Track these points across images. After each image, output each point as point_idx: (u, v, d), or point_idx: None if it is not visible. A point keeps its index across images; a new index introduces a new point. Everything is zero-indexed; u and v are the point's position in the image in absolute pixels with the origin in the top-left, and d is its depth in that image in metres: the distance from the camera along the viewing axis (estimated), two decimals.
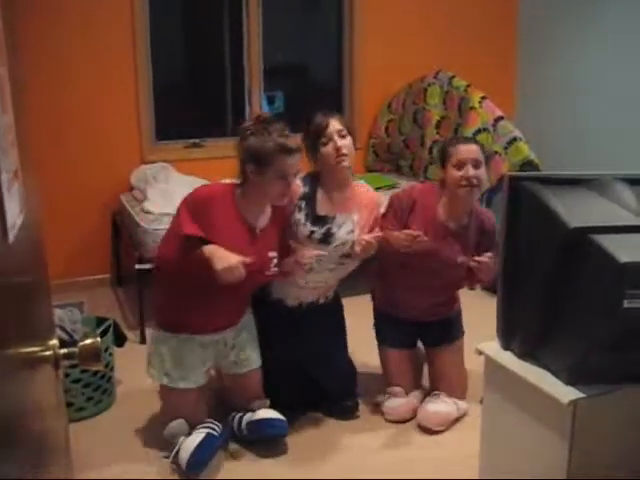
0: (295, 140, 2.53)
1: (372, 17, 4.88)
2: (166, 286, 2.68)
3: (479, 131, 4.24)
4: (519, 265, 2.16)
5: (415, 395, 2.99)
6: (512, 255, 2.18)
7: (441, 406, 2.88)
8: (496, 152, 4.23)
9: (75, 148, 4.29)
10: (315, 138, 2.69)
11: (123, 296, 4.34)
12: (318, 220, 2.73)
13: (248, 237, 2.55)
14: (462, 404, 2.96)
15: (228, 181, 2.63)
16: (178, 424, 2.66)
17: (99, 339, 1.35)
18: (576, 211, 1.94)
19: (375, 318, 3.09)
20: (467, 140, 2.89)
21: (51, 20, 4.06)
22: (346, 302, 3.06)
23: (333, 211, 2.76)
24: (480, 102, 4.26)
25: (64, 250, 4.32)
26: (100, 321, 3.12)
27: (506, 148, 4.22)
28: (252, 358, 2.79)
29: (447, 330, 3.01)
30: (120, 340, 3.21)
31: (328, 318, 2.95)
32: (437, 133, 4.57)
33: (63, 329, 2.91)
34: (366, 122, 5.04)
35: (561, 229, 1.91)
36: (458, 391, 2.98)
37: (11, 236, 0.99)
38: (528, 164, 4.17)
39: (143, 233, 3.71)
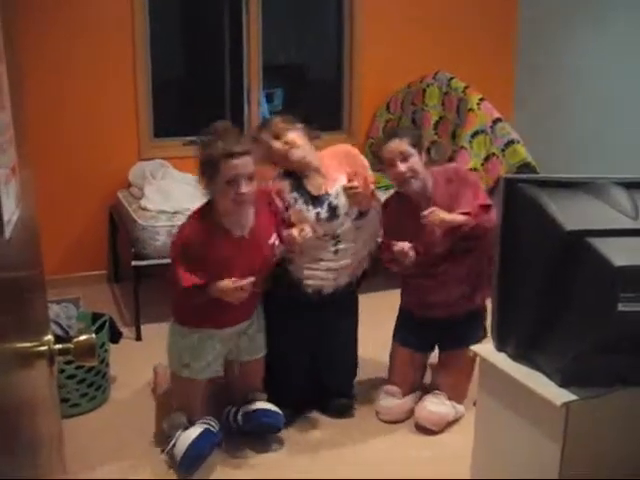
0: (242, 144, 2.48)
1: (372, 17, 4.88)
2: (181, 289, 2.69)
3: (477, 133, 4.24)
4: (514, 267, 2.16)
5: (412, 397, 2.99)
6: (508, 257, 2.19)
7: (440, 407, 2.88)
8: (493, 154, 4.24)
9: (72, 144, 4.29)
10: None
11: (119, 292, 4.35)
12: (317, 200, 2.74)
13: (239, 248, 2.54)
14: (460, 407, 2.95)
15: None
16: (177, 417, 2.66)
17: (94, 335, 1.35)
18: (572, 214, 1.94)
19: (398, 315, 3.07)
20: (390, 136, 2.85)
21: (49, 17, 4.06)
22: (362, 299, 3.05)
23: (323, 187, 2.77)
24: (478, 104, 4.26)
25: (61, 246, 4.32)
26: (96, 317, 3.12)
27: (503, 150, 4.22)
28: (261, 345, 2.81)
29: (467, 333, 2.90)
30: (115, 336, 3.21)
31: (344, 312, 2.94)
32: (435, 134, 4.57)
33: (59, 325, 2.91)
34: (364, 122, 5.05)
35: (557, 232, 1.91)
36: (459, 395, 2.97)
37: (7, 232, 0.99)
38: (525, 166, 4.18)
39: (140, 230, 3.71)
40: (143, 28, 4.34)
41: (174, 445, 2.59)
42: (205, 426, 2.63)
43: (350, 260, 2.82)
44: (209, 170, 2.47)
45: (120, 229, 4.25)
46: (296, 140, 2.74)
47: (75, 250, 4.42)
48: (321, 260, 2.77)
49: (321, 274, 2.79)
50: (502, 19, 5.29)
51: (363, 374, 3.14)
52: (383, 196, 4.36)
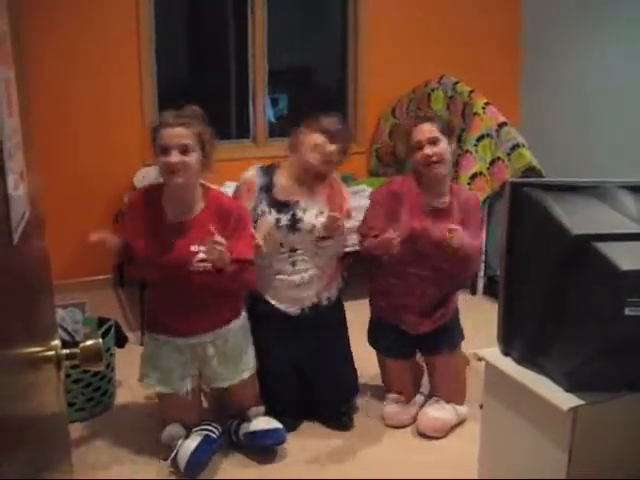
0: (175, 115, 2.45)
1: (377, 21, 4.89)
2: (149, 289, 2.76)
3: (482, 137, 4.24)
4: (520, 271, 2.16)
5: (415, 402, 2.99)
6: (513, 261, 2.19)
7: (440, 412, 2.88)
8: (499, 158, 4.24)
9: (78, 149, 4.30)
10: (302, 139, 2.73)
11: (124, 297, 4.35)
12: (281, 206, 2.73)
13: (167, 233, 2.48)
14: (462, 409, 2.95)
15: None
16: (174, 427, 2.66)
17: (100, 340, 1.36)
18: (578, 218, 1.94)
19: (370, 325, 3.04)
20: (421, 119, 2.85)
21: (54, 24, 4.07)
22: (348, 306, 3.03)
23: (298, 197, 2.75)
24: (484, 108, 4.26)
25: (67, 250, 4.33)
26: (102, 322, 3.13)
27: (509, 154, 4.22)
28: (234, 373, 2.68)
29: (446, 338, 2.94)
30: (121, 341, 3.22)
31: (331, 323, 2.91)
32: None
33: (65, 329, 2.92)
34: (369, 126, 5.05)
35: (563, 236, 1.91)
36: (457, 397, 2.97)
37: (16, 237, 0.99)
38: (531, 170, 4.18)
39: None
40: (149, 34, 4.36)
41: (176, 454, 2.59)
42: (204, 433, 2.61)
43: (311, 274, 2.78)
44: (153, 141, 2.49)
45: None
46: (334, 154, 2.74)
47: (81, 255, 4.42)
48: (279, 273, 2.74)
49: (282, 290, 2.76)
50: (507, 23, 5.28)
51: (362, 379, 3.12)
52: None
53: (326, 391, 2.92)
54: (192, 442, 2.57)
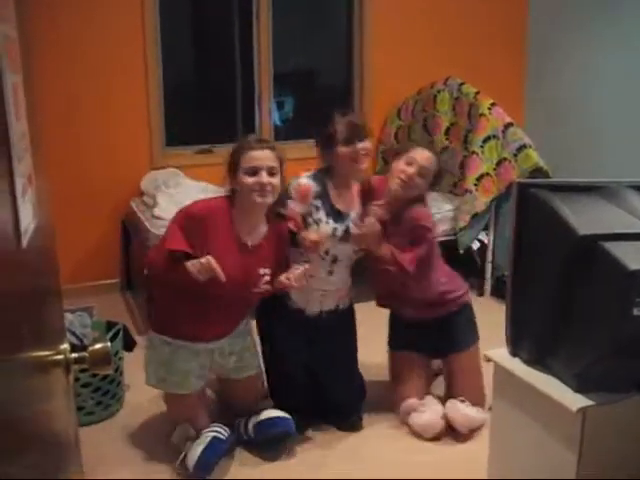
0: (260, 139, 2.62)
1: (382, 24, 4.89)
2: (159, 292, 2.72)
3: (488, 138, 4.24)
4: (528, 272, 2.16)
5: (435, 404, 2.93)
6: (521, 262, 2.18)
7: (472, 411, 2.86)
8: (505, 159, 4.23)
9: (85, 154, 4.32)
10: (332, 138, 2.68)
11: (132, 301, 4.36)
12: (339, 216, 2.74)
13: (238, 253, 2.54)
14: (484, 413, 2.90)
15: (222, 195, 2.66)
16: (184, 429, 2.67)
17: (109, 343, 1.36)
18: (585, 218, 1.94)
19: (389, 322, 3.08)
20: (427, 148, 2.90)
21: (60, 27, 4.09)
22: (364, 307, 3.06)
23: (345, 207, 2.77)
24: (490, 109, 4.26)
25: (74, 255, 4.35)
26: (110, 325, 3.14)
27: (515, 155, 4.22)
28: (251, 363, 2.80)
29: (459, 336, 2.95)
30: (129, 345, 3.22)
31: (344, 327, 2.93)
32: (447, 140, 4.57)
33: (73, 333, 2.93)
34: (375, 128, 5.03)
35: (570, 236, 1.91)
36: (479, 400, 2.95)
37: (24, 241, 1.00)
38: (537, 171, 4.17)
39: (153, 238, 3.73)
40: (154, 38, 4.37)
41: (185, 457, 2.60)
42: (212, 434, 2.62)
43: (339, 286, 2.82)
44: (232, 165, 2.55)
45: (133, 237, 4.27)
46: (369, 149, 2.75)
47: (88, 259, 4.44)
48: (312, 276, 2.72)
49: (309, 292, 2.76)
50: (512, 24, 5.28)
51: (371, 381, 3.13)
52: None
53: (338, 393, 2.93)
54: (201, 444, 2.58)
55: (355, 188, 2.86)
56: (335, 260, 2.76)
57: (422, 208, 2.86)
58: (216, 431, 2.64)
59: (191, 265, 2.35)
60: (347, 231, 2.74)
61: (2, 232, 0.90)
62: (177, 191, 4.15)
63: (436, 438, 2.84)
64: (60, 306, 1.52)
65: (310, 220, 2.70)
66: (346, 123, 2.68)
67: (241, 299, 2.64)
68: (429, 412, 2.87)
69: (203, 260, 2.34)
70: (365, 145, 2.69)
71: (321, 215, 2.71)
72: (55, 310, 1.41)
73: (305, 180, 2.72)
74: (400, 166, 2.79)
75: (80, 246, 4.39)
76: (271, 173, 2.51)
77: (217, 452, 2.60)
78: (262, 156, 2.52)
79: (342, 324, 2.91)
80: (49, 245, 1.36)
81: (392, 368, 3.08)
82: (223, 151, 4.56)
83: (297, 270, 2.59)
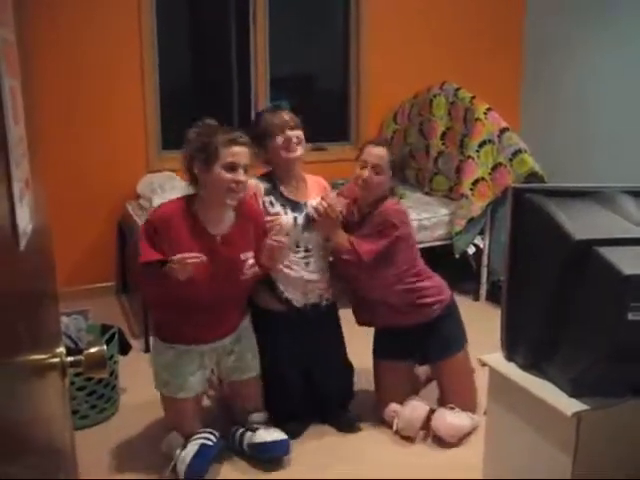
0: (240, 135, 2.52)
1: (379, 28, 4.91)
2: (155, 305, 2.73)
3: (484, 142, 4.25)
4: (523, 277, 2.17)
5: (416, 405, 2.93)
6: (516, 267, 2.19)
7: (458, 419, 2.85)
8: (501, 164, 4.24)
9: (82, 157, 4.32)
10: (264, 133, 2.72)
11: (128, 304, 4.36)
12: (295, 206, 2.77)
13: (209, 247, 2.51)
14: (476, 418, 2.91)
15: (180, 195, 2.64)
16: (173, 437, 2.66)
17: (105, 347, 1.36)
18: (580, 223, 1.94)
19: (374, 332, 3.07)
20: (380, 143, 2.91)
21: (56, 33, 4.09)
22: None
23: (300, 197, 2.81)
24: (485, 113, 4.27)
25: (70, 258, 4.34)
26: (105, 329, 3.13)
27: (511, 160, 4.23)
28: (252, 365, 2.79)
29: (445, 343, 2.94)
30: (124, 348, 3.22)
31: (330, 321, 2.95)
32: (442, 144, 4.58)
33: (68, 337, 2.92)
34: (372, 132, 5.06)
35: (565, 241, 1.91)
36: (470, 404, 2.95)
37: (22, 244, 1.00)
38: (533, 176, 4.18)
39: None
40: (151, 41, 4.38)
41: (175, 465, 2.59)
42: (201, 442, 2.60)
43: (319, 276, 2.83)
44: (206, 156, 2.46)
45: (128, 240, 4.27)
46: (302, 138, 2.75)
47: (84, 262, 4.44)
48: (291, 269, 2.76)
49: (292, 280, 2.78)
50: (508, 30, 5.30)
51: (365, 385, 3.14)
52: None
53: (331, 388, 2.96)
54: (189, 452, 2.57)
55: (313, 181, 2.89)
56: (308, 250, 2.79)
57: (393, 203, 2.87)
58: (204, 437, 2.62)
59: (167, 269, 2.37)
60: (308, 219, 2.77)
61: (1, 234, 0.90)
62: (173, 194, 4.14)
63: (444, 443, 2.84)
64: (56, 309, 1.52)
65: (270, 213, 2.73)
66: (276, 116, 2.73)
67: (231, 292, 2.62)
68: (407, 409, 2.88)
69: (174, 258, 2.35)
70: (296, 133, 2.72)
71: (277, 208, 2.75)
72: (51, 313, 1.41)
73: (252, 180, 2.74)
74: (356, 172, 2.83)
75: (76, 249, 4.39)
76: (245, 171, 2.49)
77: (206, 459, 2.58)
78: (242, 152, 2.48)
79: (327, 318, 2.93)
80: (46, 248, 1.36)
81: (375, 376, 3.06)
82: None
83: (274, 226, 2.60)
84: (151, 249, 2.46)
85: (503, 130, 4.25)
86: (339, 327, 3.00)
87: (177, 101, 4.79)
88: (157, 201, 4.07)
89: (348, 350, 3.03)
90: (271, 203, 2.75)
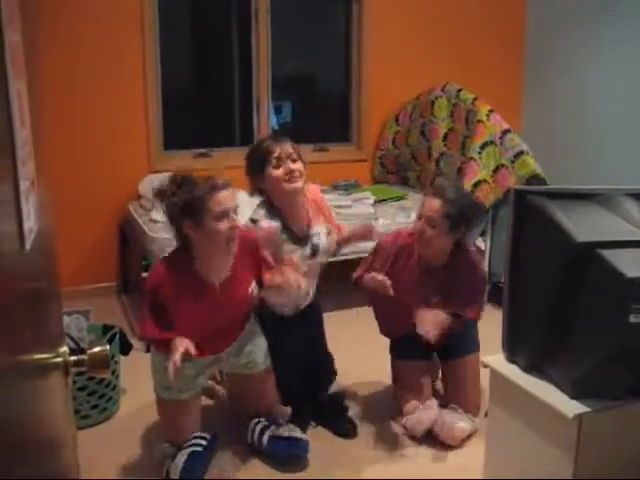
0: (221, 177, 2.42)
1: (380, 29, 4.91)
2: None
3: (486, 144, 4.25)
4: (525, 279, 2.17)
5: (430, 404, 2.92)
6: (518, 268, 2.19)
7: (460, 422, 2.84)
8: (503, 165, 4.24)
9: (83, 157, 4.32)
10: (264, 161, 2.66)
11: (129, 304, 4.36)
12: (302, 241, 2.75)
13: (213, 294, 2.50)
14: (477, 420, 2.90)
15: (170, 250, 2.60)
16: (164, 448, 2.63)
17: (108, 347, 1.36)
18: (583, 226, 1.94)
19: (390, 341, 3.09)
20: (439, 193, 2.79)
21: (58, 31, 4.09)
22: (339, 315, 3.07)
23: (301, 227, 2.76)
24: (487, 115, 4.27)
25: (71, 257, 4.34)
26: (106, 329, 3.14)
27: (513, 161, 4.23)
28: (262, 361, 2.77)
29: (461, 344, 2.95)
30: (125, 348, 3.22)
31: (314, 314, 2.98)
32: (444, 146, 4.59)
33: (70, 336, 2.92)
34: (373, 134, 5.07)
35: (568, 243, 1.92)
36: (473, 407, 2.94)
37: (27, 244, 1.00)
38: (535, 178, 4.18)
39: (150, 242, 3.73)
40: (153, 42, 4.38)
41: (167, 473, 2.58)
42: (190, 449, 2.57)
43: (311, 290, 2.88)
44: (193, 211, 2.36)
45: (130, 240, 4.27)
46: (303, 171, 2.68)
47: (85, 262, 4.44)
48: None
49: (287, 303, 2.81)
50: (510, 31, 5.31)
51: (362, 390, 3.16)
52: (390, 209, 4.37)
53: (314, 374, 2.98)
54: (179, 461, 2.54)
55: (311, 202, 2.82)
56: (304, 274, 2.78)
57: (466, 254, 2.87)
58: (193, 444, 2.60)
59: (171, 346, 2.38)
60: (314, 249, 2.76)
61: (7, 234, 0.91)
62: None
63: (432, 438, 2.83)
64: (59, 308, 1.52)
65: (283, 256, 2.69)
66: (278, 146, 2.66)
67: (235, 319, 2.65)
68: (419, 412, 2.87)
69: (174, 357, 2.32)
70: (298, 166, 2.66)
71: (289, 246, 2.72)
72: (54, 312, 1.42)
73: (265, 222, 2.68)
74: (415, 226, 2.80)
75: (78, 249, 4.39)
76: (235, 212, 2.42)
77: (197, 465, 2.56)
78: (228, 195, 2.38)
79: (312, 310, 2.94)
80: (50, 248, 1.36)
81: (396, 377, 3.05)
82: (221, 155, 4.64)
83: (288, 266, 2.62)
84: (152, 324, 2.45)
85: (505, 132, 4.25)
86: (321, 315, 3.03)
87: (179, 100, 4.79)
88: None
89: (349, 350, 3.03)
90: (282, 241, 2.71)
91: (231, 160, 3.89)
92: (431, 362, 3.08)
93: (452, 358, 2.98)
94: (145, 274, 3.68)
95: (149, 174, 4.40)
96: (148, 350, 3.58)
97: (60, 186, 4.15)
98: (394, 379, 3.07)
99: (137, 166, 4.42)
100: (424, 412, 2.86)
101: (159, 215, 3.90)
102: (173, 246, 2.63)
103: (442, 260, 2.85)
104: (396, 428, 2.94)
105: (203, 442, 2.62)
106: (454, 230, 2.73)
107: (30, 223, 1.02)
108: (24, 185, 0.97)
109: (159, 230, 3.79)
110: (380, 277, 2.70)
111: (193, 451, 2.58)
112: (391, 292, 2.67)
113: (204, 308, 2.49)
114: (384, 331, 3.08)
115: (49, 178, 1.36)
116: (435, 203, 2.72)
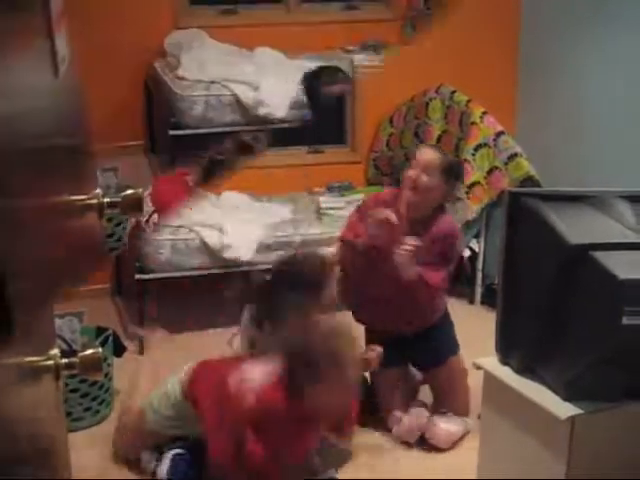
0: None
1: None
2: None
3: (480, 146, 4.25)
4: (518, 280, 2.17)
5: (418, 412, 2.92)
6: (512, 270, 2.19)
7: (450, 424, 2.84)
8: (496, 167, 4.25)
9: (105, 10, 4.03)
10: None
11: (123, 306, 4.33)
12: None
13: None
14: (469, 421, 2.91)
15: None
16: (146, 455, 2.64)
17: (100, 349, 1.35)
18: (576, 228, 1.95)
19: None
20: (435, 147, 2.87)
21: None
22: None
23: None
24: (481, 117, 4.27)
25: (96, 116, 3.64)
26: (99, 331, 3.12)
27: (506, 163, 4.23)
28: None
29: (437, 351, 2.93)
30: (119, 350, 3.21)
31: None
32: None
33: (62, 339, 2.91)
34: (367, 135, 5.05)
35: (561, 245, 1.92)
36: (463, 408, 2.94)
37: (61, 70, 0.99)
38: (528, 180, 4.18)
39: (177, 100, 3.67)
40: None
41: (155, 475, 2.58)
42: (171, 454, 2.57)
43: None
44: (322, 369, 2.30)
45: (156, 99, 4.11)
46: None
47: (111, 119, 4.08)
48: None
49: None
50: (505, 33, 5.30)
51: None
52: None
53: None
54: (163, 467, 2.55)
55: None
56: None
57: (450, 221, 2.86)
58: (175, 447, 2.60)
59: None
60: None
61: (41, 58, 0.90)
62: (201, 52, 3.98)
63: (425, 442, 2.83)
64: (51, 309, 1.51)
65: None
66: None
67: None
68: (409, 416, 2.86)
69: None
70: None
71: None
72: (46, 314, 1.41)
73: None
74: (407, 174, 2.77)
75: (102, 108, 3.96)
76: None
77: (182, 469, 2.55)
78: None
79: None
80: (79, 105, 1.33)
81: (373, 385, 3.02)
82: (248, 12, 4.38)
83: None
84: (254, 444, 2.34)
85: (499, 134, 4.25)
86: None
87: None
88: (185, 58, 3.92)
89: None
90: None
91: (257, 18, 3.80)
92: (407, 371, 3.05)
93: (435, 364, 2.95)
94: (139, 276, 3.67)
95: (175, 30, 4.16)
96: (142, 352, 3.58)
97: (78, 41, 3.93)
98: (373, 388, 3.02)
99: (161, 21, 4.17)
100: (413, 420, 2.85)
101: (185, 72, 3.81)
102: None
103: (425, 215, 2.81)
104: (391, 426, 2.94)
105: (184, 445, 2.60)
106: (447, 181, 2.76)
107: (62, 51, 1.02)
108: (55, 6, 0.96)
109: (185, 87, 3.72)
110: (386, 211, 2.66)
111: (177, 453, 2.57)
112: (395, 219, 2.62)
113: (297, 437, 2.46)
114: (358, 317, 3.01)
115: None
116: (430, 151, 2.80)
